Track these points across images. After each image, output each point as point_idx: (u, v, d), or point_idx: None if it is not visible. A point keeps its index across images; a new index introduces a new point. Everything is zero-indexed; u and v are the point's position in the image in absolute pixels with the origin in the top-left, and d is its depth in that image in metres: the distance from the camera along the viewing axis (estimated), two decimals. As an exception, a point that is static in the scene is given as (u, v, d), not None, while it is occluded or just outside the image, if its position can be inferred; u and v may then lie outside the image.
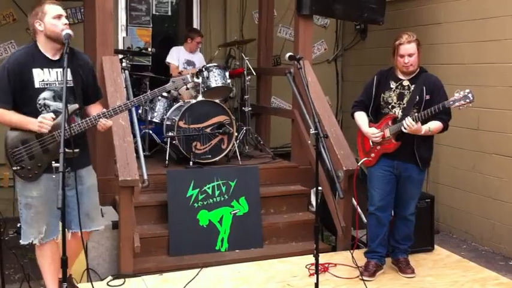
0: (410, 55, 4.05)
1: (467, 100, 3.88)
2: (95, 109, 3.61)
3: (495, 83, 5.68)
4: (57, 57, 3.39)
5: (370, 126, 4.24)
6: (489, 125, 5.75)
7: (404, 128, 3.99)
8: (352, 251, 4.56)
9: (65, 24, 3.34)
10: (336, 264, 4.49)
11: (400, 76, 4.19)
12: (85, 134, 3.53)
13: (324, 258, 4.51)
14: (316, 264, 3.53)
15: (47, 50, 3.37)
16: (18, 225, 5.63)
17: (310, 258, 4.29)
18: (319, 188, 5.09)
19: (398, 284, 4.20)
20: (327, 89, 5.83)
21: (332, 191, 4.98)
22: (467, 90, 3.91)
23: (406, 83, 4.16)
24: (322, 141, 3.64)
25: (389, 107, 4.18)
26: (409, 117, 3.98)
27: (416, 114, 4.01)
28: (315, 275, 3.54)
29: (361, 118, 4.31)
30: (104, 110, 3.50)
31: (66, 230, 3.36)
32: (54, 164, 3.12)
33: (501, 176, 5.63)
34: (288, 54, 4.05)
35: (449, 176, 6.29)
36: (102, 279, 4.26)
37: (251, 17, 7.77)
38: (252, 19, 7.76)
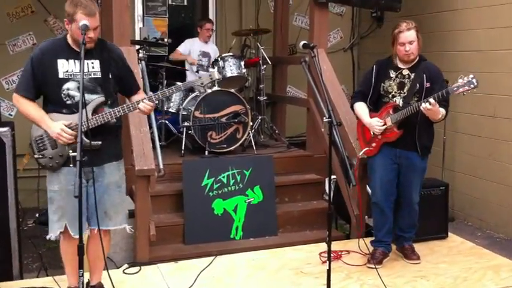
0: (410, 42, 4.03)
1: (472, 86, 3.83)
2: (137, 98, 3.56)
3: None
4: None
5: (371, 116, 4.22)
6: (506, 112, 5.69)
7: (430, 103, 3.81)
8: (364, 238, 4.57)
9: (90, 36, 3.28)
10: (349, 252, 4.52)
11: (400, 65, 4.17)
12: (114, 129, 3.48)
13: (337, 246, 4.55)
14: (329, 250, 3.52)
15: (74, 44, 3.38)
16: (37, 215, 5.79)
17: (323, 246, 4.29)
18: (334, 176, 5.12)
19: (412, 271, 4.22)
20: (343, 77, 5.81)
21: (346, 179, 4.99)
22: (471, 76, 3.85)
23: (405, 71, 4.14)
24: (335, 129, 3.61)
25: (390, 96, 4.16)
26: (429, 98, 3.85)
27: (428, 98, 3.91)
28: (327, 262, 3.54)
29: (361, 109, 4.29)
30: (139, 98, 3.48)
31: (87, 223, 3.44)
32: (71, 153, 3.17)
33: (518, 163, 5.59)
34: (301, 43, 3.96)
35: (466, 164, 6.26)
36: (118, 267, 4.33)
37: (267, 6, 7.76)
38: (267, 8, 7.74)
